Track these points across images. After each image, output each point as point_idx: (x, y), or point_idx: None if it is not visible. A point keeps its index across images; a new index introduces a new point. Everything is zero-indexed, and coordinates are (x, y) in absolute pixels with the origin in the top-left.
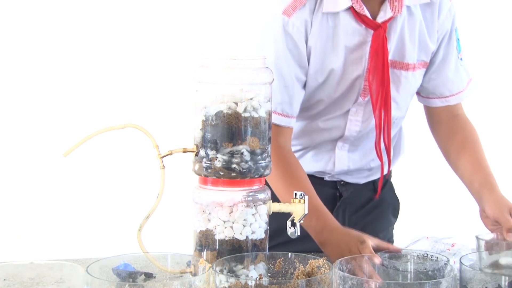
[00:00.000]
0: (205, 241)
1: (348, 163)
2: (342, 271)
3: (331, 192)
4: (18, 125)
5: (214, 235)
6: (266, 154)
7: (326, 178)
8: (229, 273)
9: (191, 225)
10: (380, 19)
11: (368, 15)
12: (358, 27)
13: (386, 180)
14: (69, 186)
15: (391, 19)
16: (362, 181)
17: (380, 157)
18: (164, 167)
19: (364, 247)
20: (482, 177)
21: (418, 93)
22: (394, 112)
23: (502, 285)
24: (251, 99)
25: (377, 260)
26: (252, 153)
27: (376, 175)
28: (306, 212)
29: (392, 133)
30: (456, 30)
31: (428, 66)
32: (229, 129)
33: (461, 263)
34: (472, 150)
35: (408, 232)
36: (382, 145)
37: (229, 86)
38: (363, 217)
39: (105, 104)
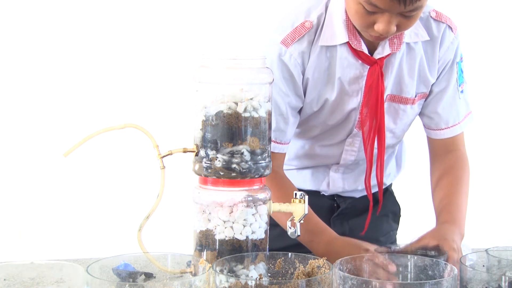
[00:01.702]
0: (205, 241)
1: (343, 185)
2: (342, 271)
3: (329, 203)
4: (18, 125)
5: (214, 235)
6: (266, 154)
7: (322, 192)
8: (229, 273)
9: (191, 225)
10: (377, 55)
11: (365, 51)
12: (355, 61)
13: (386, 189)
14: (69, 186)
15: (388, 55)
16: (358, 195)
17: (369, 194)
18: (164, 167)
19: (372, 256)
20: (448, 214)
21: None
22: (390, 141)
23: (502, 285)
24: (251, 99)
25: (392, 267)
26: (252, 153)
27: (373, 189)
28: (306, 212)
29: (387, 152)
30: (460, 63)
31: (427, 96)
32: (229, 129)
33: (461, 263)
34: (450, 199)
35: (409, 233)
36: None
37: (229, 86)
38: (363, 224)
39: (105, 104)
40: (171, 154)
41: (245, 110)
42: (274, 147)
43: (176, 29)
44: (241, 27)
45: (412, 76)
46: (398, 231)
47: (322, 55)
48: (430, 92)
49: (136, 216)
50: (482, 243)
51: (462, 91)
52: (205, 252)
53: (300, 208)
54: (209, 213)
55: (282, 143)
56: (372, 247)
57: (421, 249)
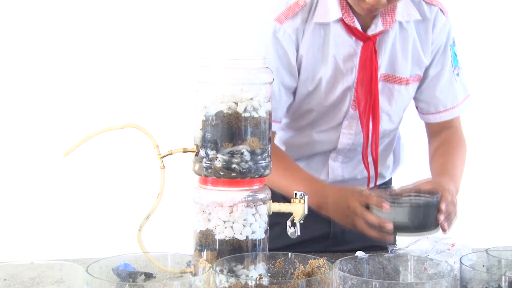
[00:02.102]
0: (205, 241)
1: (342, 173)
2: (342, 271)
3: None
4: (18, 125)
5: (214, 235)
6: (266, 154)
7: None
8: (229, 273)
9: (191, 225)
10: (370, 31)
11: (359, 27)
12: (348, 38)
13: (385, 183)
14: (69, 186)
15: (381, 32)
16: (360, 188)
17: (367, 168)
18: (164, 167)
19: (366, 196)
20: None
21: (417, 108)
22: (386, 125)
23: (502, 285)
24: (251, 99)
25: (386, 205)
26: (252, 153)
27: (372, 184)
28: (306, 212)
29: (384, 142)
30: (453, 46)
31: (423, 80)
32: (229, 129)
33: (461, 263)
34: (446, 158)
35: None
36: (370, 158)
37: (229, 86)
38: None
39: (105, 104)
40: (171, 154)
41: (245, 110)
42: None
43: (176, 29)
44: (241, 27)
45: (405, 56)
46: None
47: (316, 32)
48: (426, 76)
49: (136, 216)
50: (482, 243)
51: (458, 74)
52: (205, 252)
53: (300, 208)
54: (209, 213)
55: (273, 121)
56: (365, 188)
57: (415, 191)
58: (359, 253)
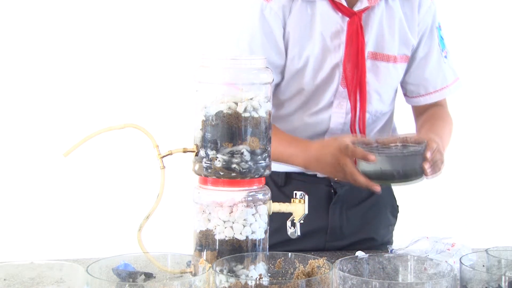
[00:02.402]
0: (205, 241)
1: None
2: (342, 271)
3: (326, 189)
4: (18, 125)
5: (214, 235)
6: (266, 154)
7: (319, 174)
8: (229, 273)
9: (191, 225)
10: (356, 8)
11: (344, 3)
12: (335, 15)
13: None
14: (69, 186)
15: (367, 8)
16: None
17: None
18: (164, 167)
19: (351, 151)
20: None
21: (405, 95)
22: (377, 105)
23: (502, 285)
24: (251, 99)
25: (372, 157)
26: (252, 153)
27: None
28: (306, 212)
29: (377, 126)
30: (439, 29)
31: (411, 62)
32: (229, 129)
33: (461, 263)
34: (433, 122)
35: (408, 232)
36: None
37: (229, 86)
38: (361, 215)
39: (105, 104)
40: (171, 154)
41: (245, 110)
42: None
43: (176, 29)
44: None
45: (392, 34)
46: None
47: (303, 10)
48: (414, 58)
49: (136, 216)
50: (482, 243)
51: (446, 57)
52: (205, 252)
53: (300, 208)
54: (209, 213)
55: None
56: (348, 138)
57: (401, 141)
58: (359, 253)
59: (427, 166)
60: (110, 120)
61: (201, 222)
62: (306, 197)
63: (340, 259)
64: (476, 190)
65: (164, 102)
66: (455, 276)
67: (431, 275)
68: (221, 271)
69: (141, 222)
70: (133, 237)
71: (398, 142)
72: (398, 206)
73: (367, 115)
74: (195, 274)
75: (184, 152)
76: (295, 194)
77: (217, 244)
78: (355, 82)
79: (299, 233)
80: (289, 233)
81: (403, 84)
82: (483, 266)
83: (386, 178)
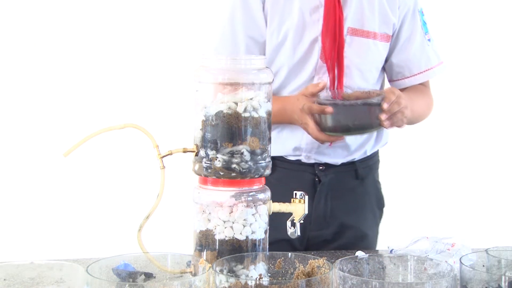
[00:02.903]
0: (205, 241)
1: None
2: (342, 271)
3: (310, 177)
4: (18, 125)
5: (214, 235)
6: (266, 154)
7: (303, 159)
8: (229, 273)
9: (191, 225)
10: None
11: None
12: None
13: (367, 165)
14: (69, 186)
15: None
16: (340, 160)
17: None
18: (164, 167)
19: (308, 108)
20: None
21: (390, 80)
22: (359, 82)
23: (502, 285)
24: (251, 99)
25: (328, 110)
26: (252, 153)
27: (355, 155)
28: (306, 212)
29: None
30: (421, 12)
31: (395, 43)
32: (229, 129)
33: (461, 263)
34: (409, 90)
35: (408, 232)
36: None
37: (229, 86)
38: (346, 205)
39: (105, 104)
40: (171, 154)
41: (245, 110)
42: None
43: (176, 29)
44: None
45: (372, 11)
46: (395, 225)
47: None
48: (398, 40)
49: (136, 216)
50: (482, 243)
51: (429, 40)
52: (205, 252)
53: (300, 208)
54: (209, 213)
55: None
56: (311, 87)
57: (364, 95)
58: (359, 253)
59: (383, 116)
60: (110, 120)
61: (201, 222)
62: (306, 197)
63: (340, 259)
64: (476, 190)
65: (164, 102)
66: (455, 276)
67: (431, 275)
68: (221, 271)
69: (141, 222)
70: (133, 237)
71: (361, 95)
72: (383, 197)
73: (349, 91)
74: (195, 274)
75: (184, 152)
76: (295, 194)
77: (217, 244)
78: (334, 56)
79: (299, 233)
80: (289, 233)
81: (388, 67)
82: (483, 266)
83: (346, 129)
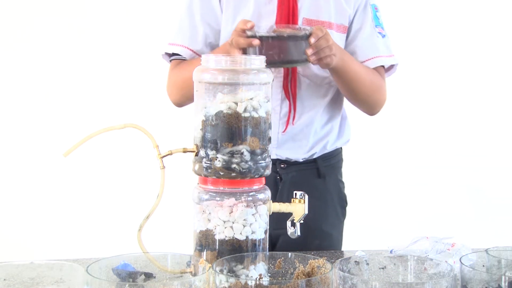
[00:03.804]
0: (205, 241)
1: (278, 129)
2: (342, 271)
3: (272, 175)
4: (18, 125)
5: (214, 235)
6: (266, 154)
7: None
8: (229, 273)
9: (191, 225)
10: None
11: None
12: None
13: (329, 164)
14: (69, 186)
15: None
16: (301, 156)
17: (289, 99)
18: (164, 167)
19: (235, 42)
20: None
21: None
22: (317, 72)
23: (502, 285)
24: (251, 99)
25: (255, 42)
26: (252, 153)
27: (315, 149)
28: (306, 212)
29: (321, 91)
30: (374, 8)
31: (348, 34)
32: (229, 129)
33: (461, 263)
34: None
35: (408, 232)
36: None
37: (229, 86)
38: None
39: (105, 104)
40: (171, 154)
41: (245, 110)
42: (186, 53)
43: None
44: None
45: (327, 1)
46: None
47: None
48: (350, 30)
49: (136, 216)
50: (482, 243)
51: (382, 35)
52: (205, 252)
53: (300, 208)
54: (209, 213)
55: (193, 51)
56: (244, 24)
57: (295, 29)
58: (359, 253)
59: (310, 51)
60: (110, 120)
61: (201, 222)
62: (306, 197)
63: (340, 259)
64: (476, 190)
65: (164, 102)
66: (455, 276)
67: (431, 275)
68: (221, 271)
69: (141, 222)
70: (133, 237)
71: (290, 31)
72: (345, 196)
73: (306, 80)
74: (195, 274)
75: (184, 152)
76: (295, 194)
77: (217, 244)
78: None
79: (299, 233)
80: (289, 233)
81: None
82: (483, 266)
83: (272, 63)
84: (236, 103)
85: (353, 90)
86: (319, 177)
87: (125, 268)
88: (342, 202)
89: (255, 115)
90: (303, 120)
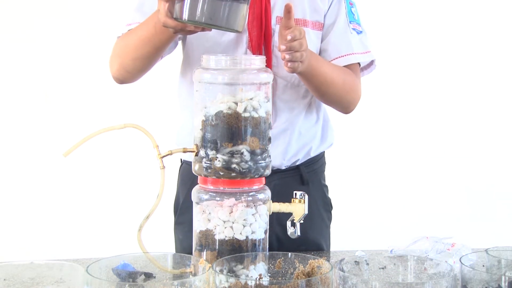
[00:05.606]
0: (205, 241)
1: None
2: (342, 271)
3: None
4: (18, 125)
5: (214, 235)
6: (266, 154)
7: None
8: (229, 273)
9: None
10: None
11: None
12: None
13: (312, 169)
14: (69, 186)
15: None
16: (283, 164)
17: None
18: (164, 167)
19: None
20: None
21: None
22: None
23: (502, 285)
24: (251, 99)
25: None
26: (252, 153)
27: (298, 155)
28: (306, 212)
29: (300, 93)
30: (348, 2)
31: (322, 28)
32: (229, 129)
33: (461, 263)
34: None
35: (408, 232)
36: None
37: (229, 86)
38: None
39: (105, 104)
40: (171, 154)
41: (245, 110)
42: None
43: None
44: None
45: None
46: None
47: None
48: (323, 26)
49: (136, 216)
50: (482, 243)
51: (357, 31)
52: (205, 252)
53: (300, 208)
54: (209, 213)
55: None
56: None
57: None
58: (359, 253)
59: (282, 47)
60: (110, 120)
61: (201, 222)
62: (306, 197)
63: (340, 259)
64: (476, 190)
65: (164, 102)
66: (455, 276)
67: (431, 275)
68: (221, 271)
69: (141, 222)
70: (133, 237)
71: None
72: (330, 200)
73: (283, 81)
74: (195, 274)
75: (184, 152)
76: (295, 194)
77: (217, 244)
78: (261, 46)
79: (299, 233)
80: (289, 233)
81: None
82: (483, 266)
83: (197, 20)
84: (236, 103)
85: (324, 92)
86: (302, 184)
87: (125, 268)
88: (327, 206)
89: (255, 115)
90: (282, 123)
